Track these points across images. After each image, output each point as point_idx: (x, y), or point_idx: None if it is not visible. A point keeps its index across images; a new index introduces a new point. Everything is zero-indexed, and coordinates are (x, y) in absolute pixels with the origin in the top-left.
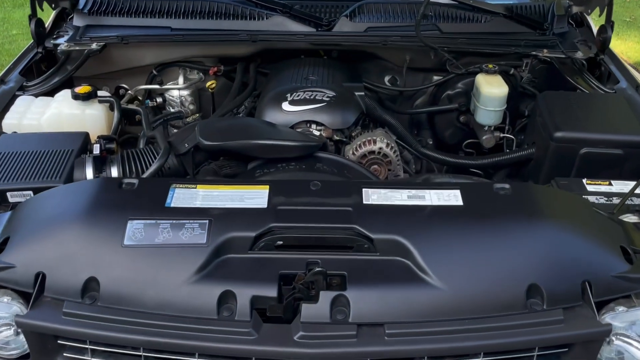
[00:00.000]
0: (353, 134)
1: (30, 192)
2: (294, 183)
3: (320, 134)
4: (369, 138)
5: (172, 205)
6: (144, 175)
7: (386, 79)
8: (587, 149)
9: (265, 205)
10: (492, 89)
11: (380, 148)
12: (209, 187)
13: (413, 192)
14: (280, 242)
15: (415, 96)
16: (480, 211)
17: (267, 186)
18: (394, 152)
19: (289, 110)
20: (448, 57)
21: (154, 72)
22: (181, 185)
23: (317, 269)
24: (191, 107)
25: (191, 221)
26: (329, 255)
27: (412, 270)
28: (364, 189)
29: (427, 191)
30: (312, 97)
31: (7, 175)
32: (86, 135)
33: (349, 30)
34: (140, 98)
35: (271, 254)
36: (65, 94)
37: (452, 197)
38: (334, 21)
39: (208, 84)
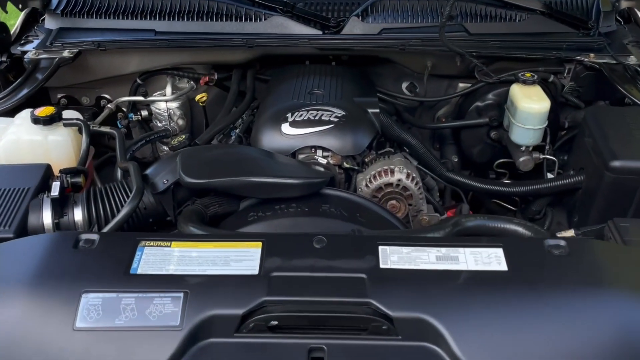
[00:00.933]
0: (366, 160)
1: None
2: (293, 238)
3: (328, 162)
4: (386, 167)
5: (139, 271)
6: (109, 227)
7: (404, 85)
8: None
9: (256, 271)
10: (531, 104)
11: (400, 180)
12: (187, 244)
13: (443, 251)
14: (275, 322)
15: (437, 105)
16: (531, 279)
17: (260, 243)
18: (416, 183)
19: (290, 134)
20: (477, 63)
21: (138, 80)
22: (152, 243)
23: None
24: (180, 122)
25: (162, 294)
26: (337, 339)
27: None
28: (380, 247)
29: (461, 250)
30: (316, 118)
31: None
32: (47, 168)
33: (361, 32)
34: (124, 109)
35: (263, 337)
36: (25, 116)
37: (493, 259)
38: (343, 21)
39: (198, 97)
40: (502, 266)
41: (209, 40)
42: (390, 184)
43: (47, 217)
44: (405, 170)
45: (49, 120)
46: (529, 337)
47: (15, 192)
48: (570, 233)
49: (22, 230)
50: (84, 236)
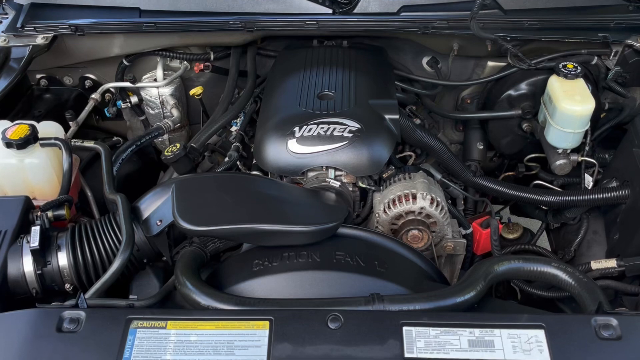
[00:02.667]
0: (384, 176)
1: None
2: (305, 316)
3: (342, 183)
4: (407, 192)
5: None
6: (99, 284)
7: (424, 61)
8: None
9: None
10: (573, 106)
11: (422, 208)
12: (184, 325)
13: (477, 333)
14: None
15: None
16: None
17: (267, 322)
18: (441, 209)
19: (298, 152)
20: (510, 48)
21: (125, 62)
22: (145, 324)
23: None
24: (174, 112)
25: None
26: None
27: None
28: (404, 329)
29: (497, 332)
30: (328, 133)
31: None
32: (25, 202)
33: (377, 10)
34: (112, 90)
35: None
36: None
37: (533, 345)
38: None
39: (193, 91)
40: (544, 355)
41: (201, 23)
42: (412, 212)
43: (28, 266)
44: (428, 196)
45: (23, 144)
46: None
47: None
48: (611, 263)
49: (2, 282)
50: (68, 314)
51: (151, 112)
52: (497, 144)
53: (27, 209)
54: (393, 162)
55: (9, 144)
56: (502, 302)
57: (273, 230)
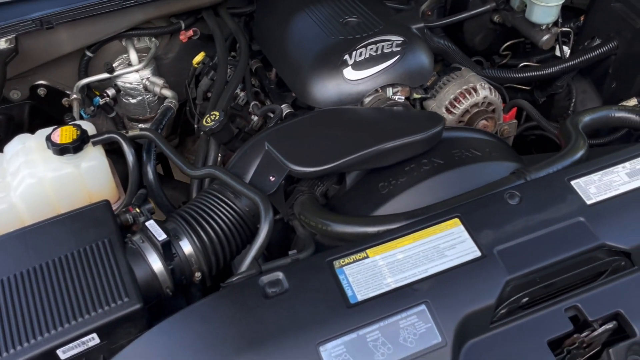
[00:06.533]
0: (428, 83)
1: (94, 335)
2: (485, 202)
3: (404, 99)
4: (466, 87)
5: (359, 297)
6: (253, 252)
7: None
8: None
9: (478, 252)
10: None
11: (485, 97)
12: (383, 248)
13: (627, 166)
14: (526, 299)
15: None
16: None
17: (456, 219)
18: (497, 96)
19: (357, 79)
20: None
21: (88, 53)
22: (347, 260)
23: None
24: (166, 92)
25: (403, 314)
26: (585, 292)
27: None
28: (572, 183)
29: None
30: (378, 53)
31: (27, 316)
32: (108, 206)
33: None
34: (75, 96)
35: (519, 318)
36: (23, 148)
37: None
38: None
39: (197, 59)
40: None
41: None
42: (476, 104)
43: (156, 264)
44: (486, 85)
45: (79, 146)
46: None
47: (95, 249)
48: (632, 102)
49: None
50: (266, 279)
51: (132, 101)
52: (472, 42)
53: (113, 215)
54: None
55: (63, 150)
56: (596, 149)
57: (397, 145)
